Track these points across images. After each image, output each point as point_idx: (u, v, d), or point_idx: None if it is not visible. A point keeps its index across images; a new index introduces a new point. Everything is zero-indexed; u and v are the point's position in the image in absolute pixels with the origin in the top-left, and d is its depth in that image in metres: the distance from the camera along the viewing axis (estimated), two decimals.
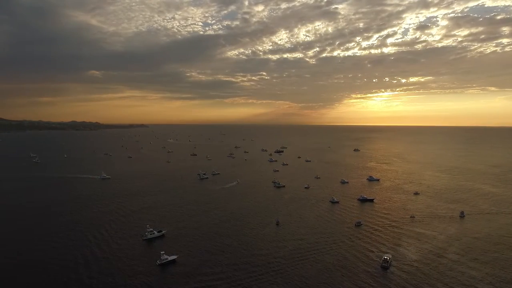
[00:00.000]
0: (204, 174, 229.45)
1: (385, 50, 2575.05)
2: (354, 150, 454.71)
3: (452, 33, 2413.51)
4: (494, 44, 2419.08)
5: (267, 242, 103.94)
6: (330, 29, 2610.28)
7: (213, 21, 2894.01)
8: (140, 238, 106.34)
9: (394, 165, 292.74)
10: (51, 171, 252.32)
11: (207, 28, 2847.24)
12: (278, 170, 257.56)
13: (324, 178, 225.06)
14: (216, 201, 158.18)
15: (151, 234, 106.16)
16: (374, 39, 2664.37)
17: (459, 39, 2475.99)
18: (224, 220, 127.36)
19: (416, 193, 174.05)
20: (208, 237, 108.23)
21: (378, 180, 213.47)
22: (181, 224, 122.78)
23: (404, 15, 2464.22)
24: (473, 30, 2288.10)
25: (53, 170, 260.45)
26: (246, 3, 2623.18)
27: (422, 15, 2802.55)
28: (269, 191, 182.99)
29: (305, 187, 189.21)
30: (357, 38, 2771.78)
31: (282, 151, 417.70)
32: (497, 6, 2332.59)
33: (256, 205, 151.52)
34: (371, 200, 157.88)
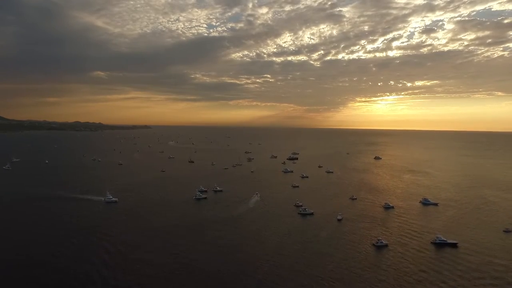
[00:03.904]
0: (203, 192, 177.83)
1: (391, 53, 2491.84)
2: (375, 158, 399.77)
3: (459, 37, 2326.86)
4: (501, 48, 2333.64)
5: None
6: (334, 32, 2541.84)
7: (218, 23, 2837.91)
8: None
9: (436, 179, 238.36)
10: (15, 185, 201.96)
11: (211, 30, 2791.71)
12: (298, 186, 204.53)
13: (361, 199, 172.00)
14: (217, 249, 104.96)
15: None
16: (379, 42, 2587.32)
17: (466, 43, 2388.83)
18: None
19: (508, 231, 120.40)
20: None
21: (436, 204, 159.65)
22: None
23: (409, 19, 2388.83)
24: (480, 34, 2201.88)
25: (21, 182, 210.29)
26: (250, 5, 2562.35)
27: (428, 18, 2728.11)
28: (294, 223, 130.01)
29: (338, 219, 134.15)
30: (362, 41, 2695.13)
31: (296, 158, 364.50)
32: (505, 10, 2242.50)
33: (282, 259, 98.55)
34: (454, 245, 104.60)
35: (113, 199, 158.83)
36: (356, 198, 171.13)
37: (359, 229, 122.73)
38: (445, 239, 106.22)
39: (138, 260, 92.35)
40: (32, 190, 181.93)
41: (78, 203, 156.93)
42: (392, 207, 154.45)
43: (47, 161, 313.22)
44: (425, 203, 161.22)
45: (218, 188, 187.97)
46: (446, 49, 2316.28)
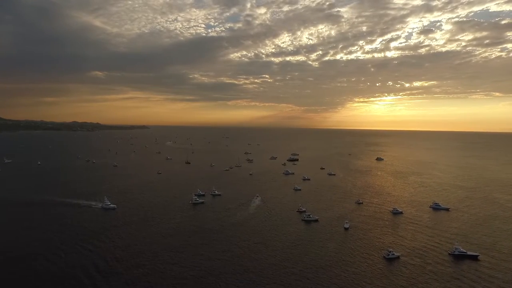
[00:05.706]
0: (200, 196, 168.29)
1: (389, 54, 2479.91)
2: (377, 159, 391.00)
3: (456, 37, 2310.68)
4: (499, 49, 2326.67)
5: None
6: (333, 33, 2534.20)
7: (216, 23, 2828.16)
8: None
9: (442, 181, 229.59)
10: (2, 188, 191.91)
11: (209, 30, 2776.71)
12: (300, 189, 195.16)
13: (367, 203, 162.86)
14: (217, 259, 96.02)
15: None
16: (378, 43, 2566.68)
17: (463, 43, 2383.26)
18: None
19: None
20: None
21: (447, 209, 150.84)
22: None
23: (407, 19, 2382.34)
24: (478, 34, 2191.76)
25: (9, 185, 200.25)
26: (248, 5, 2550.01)
27: (426, 19, 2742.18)
28: (298, 232, 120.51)
29: (345, 228, 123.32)
30: (360, 42, 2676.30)
31: (297, 160, 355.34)
32: (502, 11, 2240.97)
33: (288, 273, 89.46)
34: (475, 258, 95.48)
35: (111, 205, 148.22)
36: (362, 203, 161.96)
37: (368, 239, 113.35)
38: (464, 251, 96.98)
39: (133, 270, 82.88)
40: (21, 194, 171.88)
41: (70, 209, 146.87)
42: (401, 213, 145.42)
43: (39, 162, 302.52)
44: (436, 207, 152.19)
45: (217, 192, 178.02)
46: (444, 49, 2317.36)
